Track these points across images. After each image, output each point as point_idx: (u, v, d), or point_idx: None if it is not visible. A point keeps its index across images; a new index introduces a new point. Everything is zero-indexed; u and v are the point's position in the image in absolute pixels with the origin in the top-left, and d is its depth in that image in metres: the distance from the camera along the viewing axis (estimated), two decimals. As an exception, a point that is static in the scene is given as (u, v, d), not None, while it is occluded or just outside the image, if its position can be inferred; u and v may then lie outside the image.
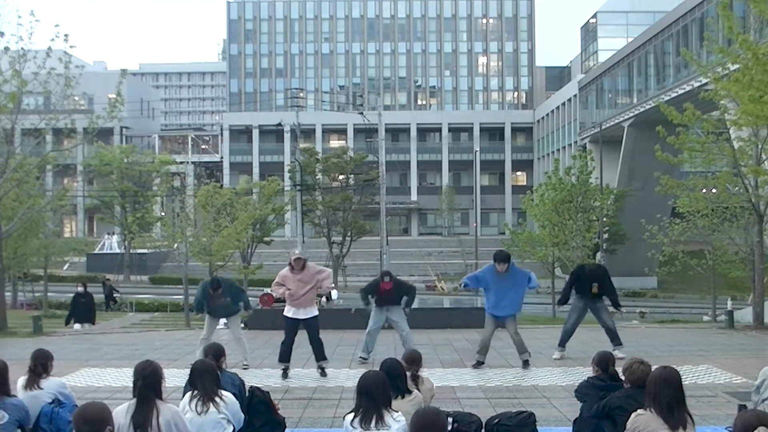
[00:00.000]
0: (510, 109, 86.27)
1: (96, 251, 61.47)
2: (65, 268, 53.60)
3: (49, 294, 35.94)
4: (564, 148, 67.30)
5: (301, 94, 71.91)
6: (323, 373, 11.13)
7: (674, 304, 42.02)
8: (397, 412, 5.01)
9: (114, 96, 20.11)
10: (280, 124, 58.20)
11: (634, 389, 5.59)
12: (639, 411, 4.90)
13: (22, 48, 18.55)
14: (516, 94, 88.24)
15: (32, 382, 6.30)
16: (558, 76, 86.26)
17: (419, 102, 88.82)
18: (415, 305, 22.52)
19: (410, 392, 5.80)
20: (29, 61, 18.60)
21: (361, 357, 12.41)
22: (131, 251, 56.76)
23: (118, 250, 61.36)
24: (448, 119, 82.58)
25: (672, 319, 28.39)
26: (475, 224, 62.13)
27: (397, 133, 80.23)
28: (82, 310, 24.12)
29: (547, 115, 75.46)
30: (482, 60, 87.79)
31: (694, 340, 15.54)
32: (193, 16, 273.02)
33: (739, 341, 15.24)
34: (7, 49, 18.66)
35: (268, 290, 24.63)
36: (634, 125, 49.18)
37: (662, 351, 13.38)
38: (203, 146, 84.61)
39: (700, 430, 6.29)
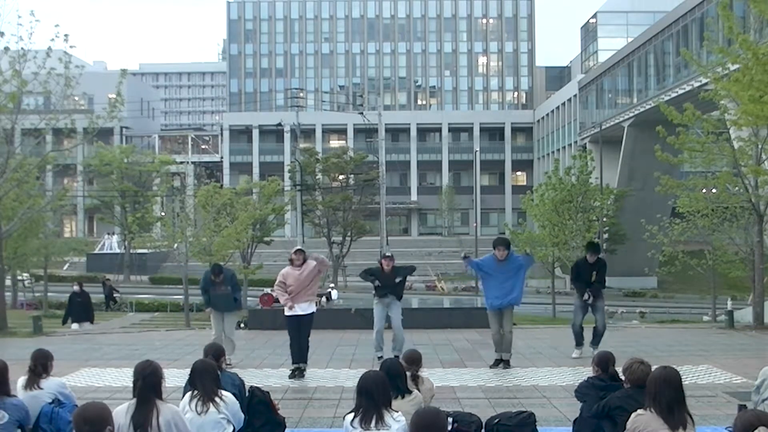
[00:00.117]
0: (510, 109, 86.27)
1: (96, 251, 61.49)
2: (65, 268, 53.60)
3: (49, 294, 35.94)
4: (564, 148, 67.30)
5: (301, 94, 71.91)
6: (300, 375, 11.00)
7: (674, 304, 42.03)
8: (397, 412, 5.01)
9: (114, 96, 20.12)
10: (280, 124, 58.20)
11: (634, 389, 5.59)
12: (639, 411, 4.90)
13: (22, 48, 18.57)
14: (516, 94, 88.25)
15: (32, 382, 6.30)
16: (558, 76, 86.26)
17: (419, 102, 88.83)
18: (415, 305, 22.70)
19: (410, 392, 5.80)
20: (29, 61, 18.61)
21: (378, 357, 12.29)
22: (131, 251, 56.77)
23: (118, 250, 61.38)
24: (448, 119, 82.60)
25: (672, 319, 28.41)
26: (475, 224, 62.07)
27: (397, 133, 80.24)
28: (78, 310, 24.15)
29: (547, 115, 75.47)
30: (482, 60, 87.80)
31: (694, 340, 15.54)
32: (193, 16, 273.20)
33: (739, 341, 15.25)
34: (7, 49, 18.67)
35: (268, 290, 24.66)
36: (634, 125, 49.19)
37: (662, 351, 13.38)
38: (203, 146, 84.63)
39: (700, 430, 6.28)
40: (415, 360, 6.71)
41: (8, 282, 31.73)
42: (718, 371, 11.10)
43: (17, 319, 23.67)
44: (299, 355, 11.10)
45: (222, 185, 46.26)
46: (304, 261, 11.03)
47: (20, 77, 18.58)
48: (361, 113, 52.75)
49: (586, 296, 12.51)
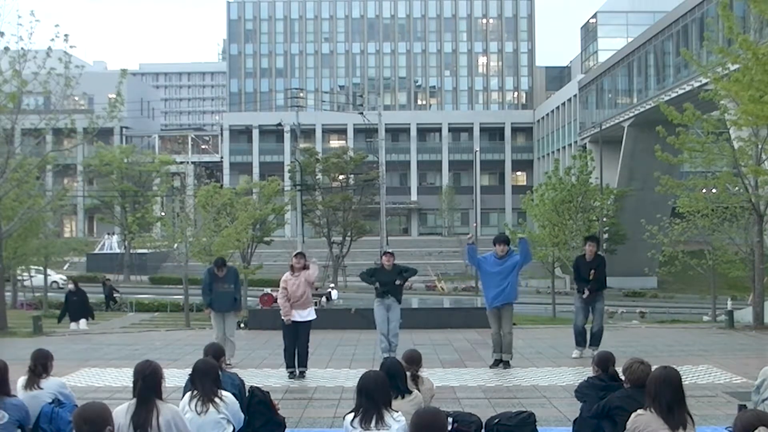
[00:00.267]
0: (510, 109, 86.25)
1: (96, 251, 61.46)
2: (65, 268, 53.54)
3: (49, 294, 35.94)
4: (564, 148, 67.28)
5: (301, 94, 71.92)
6: (301, 375, 11.08)
7: (674, 304, 42.02)
8: (397, 412, 5.01)
9: (114, 96, 20.12)
10: (280, 124, 58.20)
11: (634, 389, 5.59)
12: (639, 411, 4.90)
13: (22, 48, 18.58)
14: (516, 94, 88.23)
15: (32, 382, 6.30)
16: (558, 76, 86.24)
17: (419, 102, 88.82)
18: (415, 305, 22.70)
19: (410, 392, 5.80)
20: (29, 61, 18.62)
21: (385, 358, 12.27)
22: (131, 251, 56.75)
23: (118, 250, 61.36)
24: (448, 119, 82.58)
25: (672, 319, 28.40)
26: (475, 224, 62.04)
27: (397, 133, 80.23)
28: (74, 309, 24.15)
29: (547, 115, 75.45)
30: (482, 60, 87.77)
31: (694, 340, 15.55)
32: (193, 16, 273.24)
33: (739, 341, 15.25)
34: (7, 49, 18.66)
35: (268, 290, 24.68)
36: (634, 125, 49.17)
37: (662, 351, 13.39)
38: (203, 146, 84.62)
39: (700, 430, 6.28)
40: (415, 360, 6.71)
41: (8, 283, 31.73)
42: (718, 371, 11.10)
43: (17, 319, 23.68)
44: (295, 360, 11.15)
45: (222, 185, 46.25)
46: (305, 266, 11.11)
47: (20, 77, 18.59)
48: (361, 113, 52.75)
49: (584, 293, 12.52)
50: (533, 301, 39.96)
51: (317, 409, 9.04)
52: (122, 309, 33.95)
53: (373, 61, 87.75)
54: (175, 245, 29.93)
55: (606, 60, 60.55)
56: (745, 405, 6.44)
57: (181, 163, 70.54)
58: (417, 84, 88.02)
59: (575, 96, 65.15)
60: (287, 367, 11.19)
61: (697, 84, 34.49)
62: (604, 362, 6.55)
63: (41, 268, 47.25)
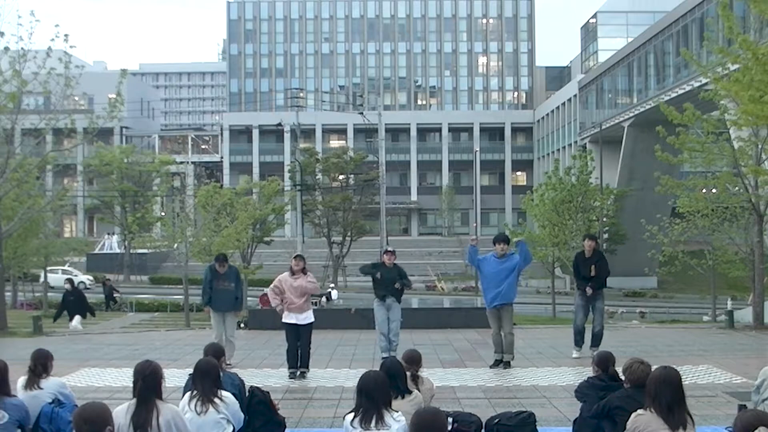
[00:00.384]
0: (510, 109, 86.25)
1: (96, 251, 61.45)
2: (65, 267, 53.54)
3: (49, 294, 35.92)
4: (564, 148, 67.27)
5: (301, 94, 71.92)
6: (302, 376, 11.10)
7: (674, 304, 42.01)
8: (397, 412, 5.01)
9: (114, 96, 20.12)
10: (280, 124, 58.20)
11: (634, 389, 5.59)
12: (639, 411, 4.90)
13: (22, 48, 18.58)
14: (516, 94, 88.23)
15: (32, 382, 6.30)
16: (558, 76, 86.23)
17: (419, 102, 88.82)
18: (415, 305, 22.70)
19: (410, 392, 5.80)
20: (29, 61, 18.62)
21: (383, 358, 12.29)
22: (131, 251, 56.75)
23: (118, 250, 61.36)
24: (448, 119, 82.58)
25: (672, 319, 28.39)
26: (475, 224, 62.07)
27: (397, 133, 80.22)
28: (72, 308, 24.17)
29: (547, 115, 75.44)
30: (482, 60, 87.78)
31: (694, 340, 15.55)
32: (193, 16, 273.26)
33: (739, 341, 15.25)
34: (7, 49, 18.67)
35: (268, 290, 24.64)
36: (634, 125, 49.17)
37: (662, 351, 13.39)
38: (203, 146, 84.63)
39: (700, 430, 6.28)
40: (415, 360, 6.71)
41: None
42: (718, 371, 11.10)
43: (17, 319, 23.67)
44: (297, 361, 11.16)
45: (222, 185, 46.26)
46: (303, 268, 11.13)
47: (20, 77, 18.59)
48: (361, 113, 52.74)
49: (588, 290, 12.50)
50: (533, 301, 39.96)
51: (317, 409, 9.04)
52: (122, 309, 33.93)
53: (373, 61, 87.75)
54: (175, 245, 29.93)
55: (606, 60, 60.55)
56: (745, 405, 6.44)
57: (181, 163, 70.55)
58: (417, 84, 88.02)
59: (575, 96, 65.13)
60: (289, 368, 11.19)
61: (697, 84, 34.48)
62: (604, 362, 6.55)
63: (67, 267, 48.50)
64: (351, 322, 17.81)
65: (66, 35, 18.83)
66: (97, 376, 11.54)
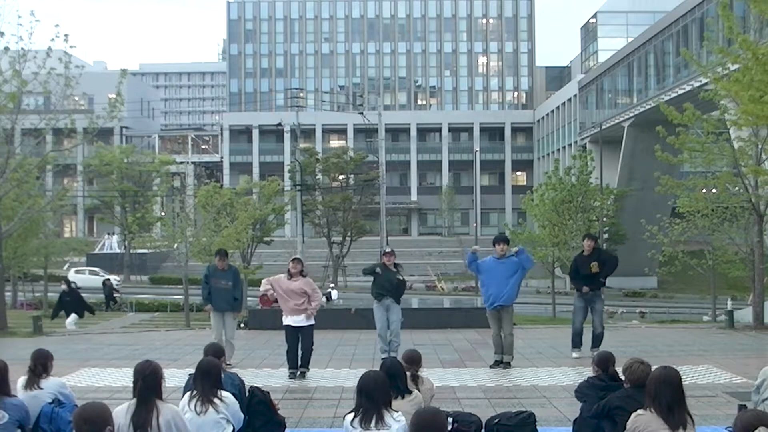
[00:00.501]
0: (510, 109, 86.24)
1: (96, 251, 61.44)
2: (65, 268, 53.53)
3: (49, 294, 35.92)
4: (564, 148, 67.27)
5: (301, 94, 71.90)
6: (302, 376, 11.11)
7: (674, 304, 42.01)
8: (397, 412, 5.01)
9: (114, 96, 20.12)
10: (280, 124, 58.18)
11: (634, 389, 5.59)
12: (639, 411, 4.90)
13: (22, 48, 18.58)
14: (516, 94, 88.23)
15: (32, 382, 6.30)
16: (558, 76, 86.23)
17: (419, 102, 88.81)
18: (415, 305, 22.69)
19: (410, 392, 5.80)
20: (29, 61, 18.62)
21: (383, 358, 12.29)
22: (131, 251, 56.74)
23: (118, 250, 61.36)
24: (448, 119, 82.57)
25: (672, 319, 28.41)
26: (475, 224, 62.07)
27: (397, 133, 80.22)
28: (69, 308, 24.17)
29: (547, 115, 75.43)
30: (482, 60, 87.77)
31: (694, 340, 15.55)
32: (193, 16, 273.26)
33: (739, 341, 15.25)
34: (7, 49, 18.67)
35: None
36: (634, 125, 49.16)
37: (662, 351, 13.39)
38: (203, 146, 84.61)
39: (700, 430, 6.28)
40: (415, 360, 6.71)
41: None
42: (718, 371, 11.10)
43: (17, 319, 23.68)
44: (297, 362, 11.18)
45: (222, 185, 46.24)
46: (301, 272, 11.15)
47: (20, 77, 18.59)
48: (361, 113, 52.75)
49: (585, 289, 12.47)
50: (533, 301, 39.95)
51: (317, 409, 9.04)
52: (122, 309, 33.95)
53: (373, 61, 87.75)
54: (175, 245, 29.93)
55: (606, 60, 60.54)
56: (745, 405, 6.44)
57: (181, 163, 70.53)
58: (417, 84, 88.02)
59: (575, 96, 65.13)
60: (289, 368, 11.19)
61: (697, 84, 34.48)
62: (604, 362, 6.55)
63: (95, 268, 49.38)
64: (351, 322, 17.82)
65: (66, 35, 18.84)
66: (97, 376, 11.54)
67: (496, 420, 6.27)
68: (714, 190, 22.08)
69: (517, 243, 34.92)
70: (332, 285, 38.95)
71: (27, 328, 19.59)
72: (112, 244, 63.76)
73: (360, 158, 56.19)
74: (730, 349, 13.91)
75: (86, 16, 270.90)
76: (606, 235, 43.44)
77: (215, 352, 6.59)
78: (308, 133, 73.85)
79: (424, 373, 6.91)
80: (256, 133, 79.98)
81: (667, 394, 4.79)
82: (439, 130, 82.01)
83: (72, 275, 41.99)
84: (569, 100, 67.64)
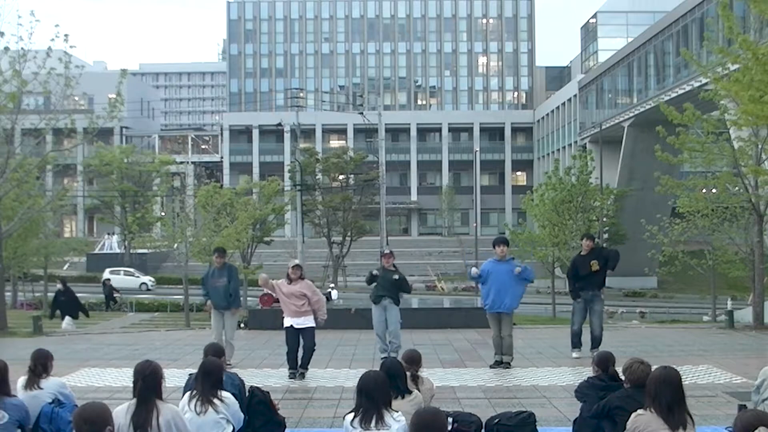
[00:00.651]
0: (510, 109, 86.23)
1: (96, 251, 61.44)
2: (65, 268, 53.53)
3: (48, 294, 35.92)
4: (564, 148, 67.27)
5: (301, 94, 71.89)
6: (301, 376, 11.13)
7: (674, 304, 42.01)
8: (397, 412, 5.01)
9: (114, 96, 20.12)
10: (280, 124, 58.17)
11: (634, 389, 5.59)
12: (639, 411, 4.90)
13: (22, 48, 18.58)
14: (516, 94, 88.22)
15: (32, 382, 6.30)
16: (558, 76, 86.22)
17: (419, 102, 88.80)
18: (415, 305, 22.69)
19: (410, 392, 5.80)
20: (29, 61, 18.62)
21: (382, 358, 12.30)
22: (131, 251, 56.72)
23: (118, 250, 61.35)
24: (448, 119, 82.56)
25: (672, 319, 28.40)
26: (475, 224, 62.09)
27: (397, 133, 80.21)
28: (63, 309, 24.18)
29: (547, 115, 75.44)
30: (482, 60, 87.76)
31: (694, 340, 15.55)
32: (193, 16, 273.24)
33: (739, 341, 15.25)
34: (7, 49, 18.67)
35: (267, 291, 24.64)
36: (634, 125, 49.16)
37: (662, 351, 13.39)
38: (203, 146, 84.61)
39: (700, 430, 6.28)
40: (415, 360, 6.71)
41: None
42: (718, 371, 11.10)
43: (17, 319, 23.67)
44: (297, 363, 11.21)
45: (222, 185, 46.25)
46: (301, 276, 11.22)
47: (20, 77, 18.59)
48: (361, 113, 52.73)
49: (579, 295, 12.46)
50: (533, 301, 39.85)
51: (317, 409, 9.04)
52: (122, 309, 33.95)
53: (373, 61, 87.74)
54: (175, 245, 29.94)
55: (606, 60, 60.53)
56: (745, 405, 6.44)
57: (181, 163, 70.53)
58: (417, 84, 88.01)
59: (575, 96, 65.13)
60: (289, 368, 11.21)
61: (697, 84, 34.47)
62: (604, 362, 6.55)
63: (129, 269, 49.93)
64: (351, 322, 17.80)
65: (66, 35, 18.84)
66: (97, 376, 11.54)
67: (496, 420, 6.27)
68: (714, 190, 22.08)
69: (517, 243, 35.08)
70: (332, 285, 38.97)
71: (27, 328, 19.59)
72: (112, 244, 63.76)
73: (360, 158, 56.19)
74: (730, 349, 13.91)
75: (86, 16, 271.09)
76: (606, 235, 43.44)
77: (215, 351, 6.59)
78: (308, 133, 73.85)
79: (424, 373, 6.91)
80: (256, 133, 79.97)
81: (667, 394, 4.79)
82: (439, 130, 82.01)
83: (107, 274, 42.74)
84: (569, 100, 67.64)
